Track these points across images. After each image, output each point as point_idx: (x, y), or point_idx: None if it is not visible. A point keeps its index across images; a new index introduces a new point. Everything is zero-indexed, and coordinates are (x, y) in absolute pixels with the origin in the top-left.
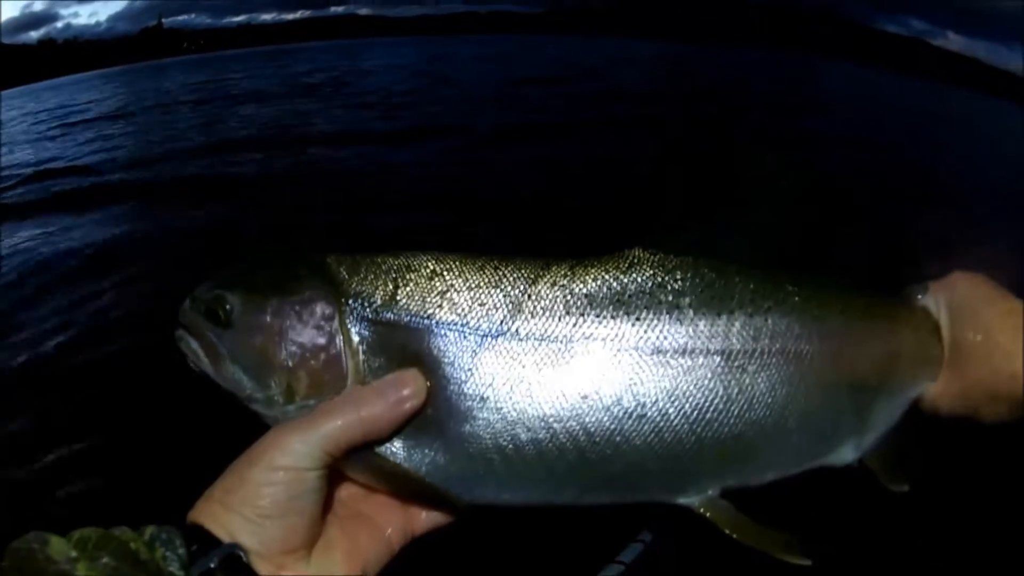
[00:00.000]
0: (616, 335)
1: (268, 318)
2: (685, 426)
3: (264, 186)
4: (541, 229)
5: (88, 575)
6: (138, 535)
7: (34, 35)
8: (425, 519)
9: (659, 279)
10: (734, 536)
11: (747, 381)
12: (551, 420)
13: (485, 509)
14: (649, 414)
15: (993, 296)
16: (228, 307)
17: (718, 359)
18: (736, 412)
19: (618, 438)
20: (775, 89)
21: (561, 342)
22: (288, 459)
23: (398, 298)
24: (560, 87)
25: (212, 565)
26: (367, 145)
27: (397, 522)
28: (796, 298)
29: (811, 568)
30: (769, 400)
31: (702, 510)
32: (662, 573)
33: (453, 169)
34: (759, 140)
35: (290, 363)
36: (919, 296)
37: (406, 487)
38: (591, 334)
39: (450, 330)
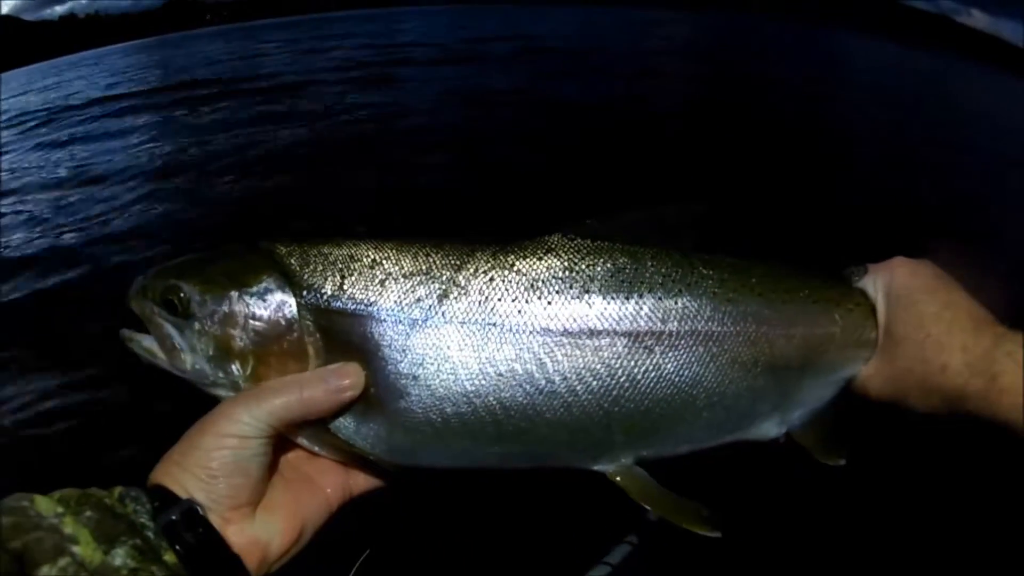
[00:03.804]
0: (528, 319)
1: (228, 308)
2: (592, 401)
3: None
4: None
5: (75, 527)
6: (109, 493)
7: (59, 10)
8: (363, 481)
9: (571, 265)
10: (646, 506)
11: (654, 361)
12: (472, 396)
13: (476, 507)
14: (558, 390)
15: (933, 285)
16: (183, 296)
17: (624, 340)
18: (643, 390)
19: (531, 412)
20: (795, 62)
21: (480, 325)
22: (235, 427)
23: (344, 287)
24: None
25: (174, 517)
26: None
27: (337, 483)
28: (709, 281)
29: (735, 541)
30: (676, 379)
31: (616, 478)
32: (648, 574)
33: None
34: (776, 113)
35: (255, 349)
36: (856, 278)
37: (344, 455)
38: (506, 318)
39: (388, 316)
